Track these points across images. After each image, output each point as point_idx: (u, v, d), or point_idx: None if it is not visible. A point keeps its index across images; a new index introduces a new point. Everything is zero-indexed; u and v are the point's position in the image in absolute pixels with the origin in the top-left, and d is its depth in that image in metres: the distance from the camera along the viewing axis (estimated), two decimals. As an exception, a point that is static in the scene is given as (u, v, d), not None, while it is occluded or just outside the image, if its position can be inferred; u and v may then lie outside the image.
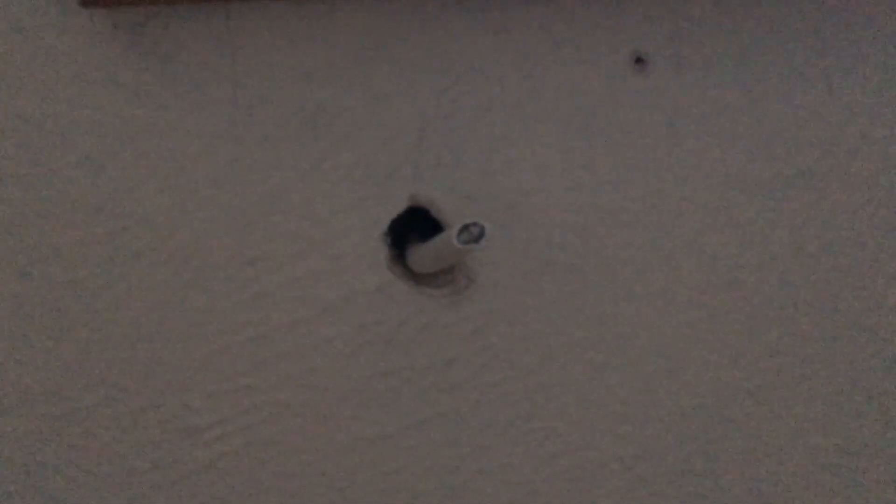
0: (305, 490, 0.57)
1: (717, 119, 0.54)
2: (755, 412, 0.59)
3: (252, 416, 0.55)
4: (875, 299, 0.58)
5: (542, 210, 0.54)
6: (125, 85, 0.49)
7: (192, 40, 0.49)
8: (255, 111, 0.51)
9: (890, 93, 0.55)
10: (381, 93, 0.52)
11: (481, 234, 0.44)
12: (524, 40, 0.52)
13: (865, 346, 0.58)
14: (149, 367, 0.54)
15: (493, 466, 0.58)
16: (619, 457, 0.59)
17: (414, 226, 0.55)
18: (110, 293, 0.52)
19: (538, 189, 0.54)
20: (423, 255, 0.50)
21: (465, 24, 0.52)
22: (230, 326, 0.54)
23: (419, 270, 0.53)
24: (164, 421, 0.54)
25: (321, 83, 0.51)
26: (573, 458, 0.59)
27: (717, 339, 0.58)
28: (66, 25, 0.47)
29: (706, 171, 0.55)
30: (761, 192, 0.56)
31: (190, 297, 0.53)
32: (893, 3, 0.54)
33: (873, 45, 0.54)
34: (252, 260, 0.53)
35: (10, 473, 0.53)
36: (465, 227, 0.44)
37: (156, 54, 0.48)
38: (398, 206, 0.53)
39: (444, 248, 0.46)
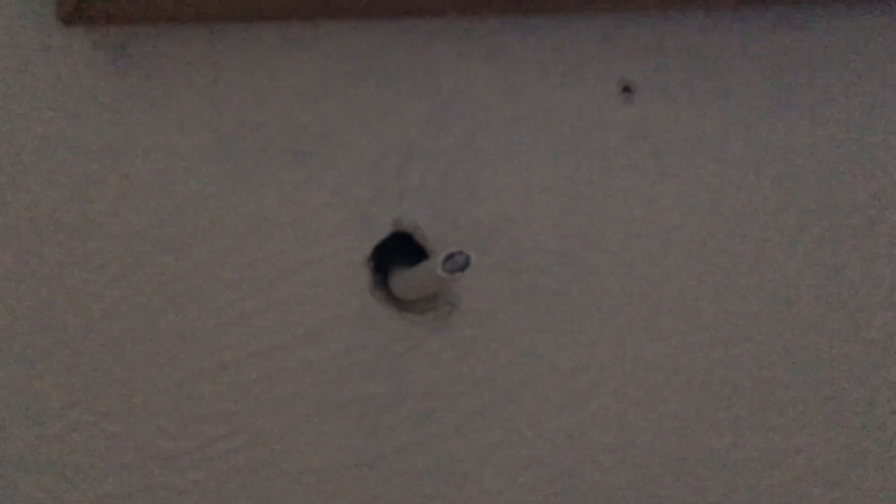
0: (283, 517, 0.56)
1: (704, 149, 0.54)
2: (739, 445, 0.59)
3: (229, 442, 0.55)
4: (866, 324, 0.58)
5: (528, 236, 0.54)
6: (105, 104, 0.48)
7: (175, 60, 0.48)
8: (238, 132, 0.50)
9: (875, 123, 0.55)
10: (367, 116, 0.51)
11: (466, 264, 0.44)
12: (512, 67, 0.52)
13: (865, 370, 0.58)
14: (124, 391, 0.53)
15: (475, 494, 0.58)
16: (602, 485, 0.59)
17: (398, 250, 0.54)
18: (86, 316, 0.51)
19: (523, 215, 0.54)
20: (406, 281, 0.50)
21: (453, 49, 0.51)
22: (208, 350, 0.53)
23: (402, 297, 0.53)
24: (139, 447, 0.54)
25: (305, 105, 0.51)
26: (555, 486, 0.58)
27: (700, 370, 0.58)
28: (44, 43, 0.47)
29: (692, 199, 0.55)
30: (747, 222, 0.56)
31: (167, 320, 0.52)
32: (878, 34, 0.55)
33: (858, 76, 0.55)
34: (232, 283, 0.52)
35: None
36: (450, 256, 0.44)
37: (137, 74, 0.48)
38: (382, 231, 0.53)
39: (428, 277, 0.46)
